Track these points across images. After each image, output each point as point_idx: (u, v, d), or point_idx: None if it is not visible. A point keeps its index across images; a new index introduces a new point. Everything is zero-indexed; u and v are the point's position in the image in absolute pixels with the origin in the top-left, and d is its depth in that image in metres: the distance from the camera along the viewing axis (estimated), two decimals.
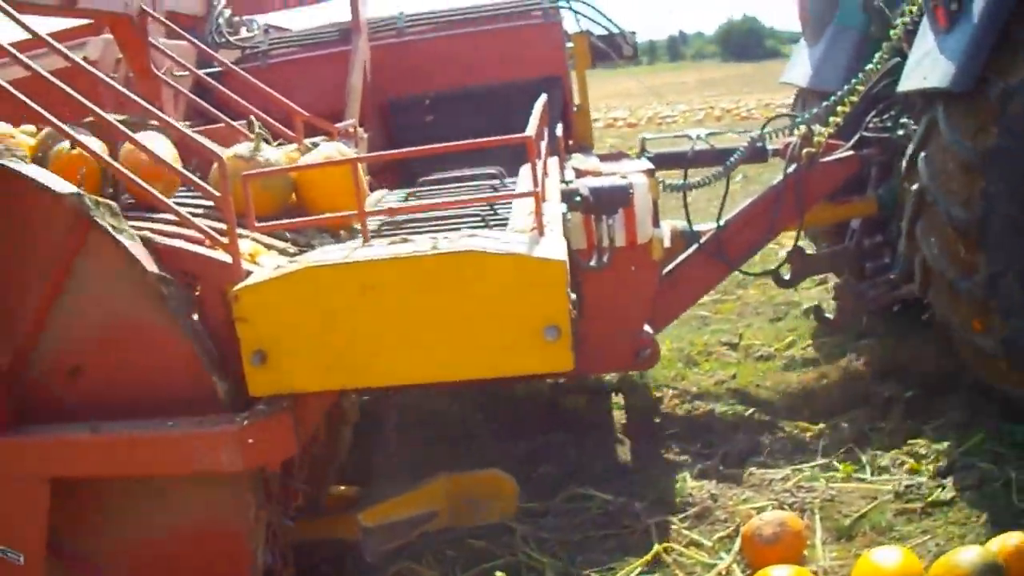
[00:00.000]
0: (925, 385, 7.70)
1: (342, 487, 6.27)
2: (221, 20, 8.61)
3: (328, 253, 4.42)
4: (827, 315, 8.83)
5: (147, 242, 4.57)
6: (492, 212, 5.44)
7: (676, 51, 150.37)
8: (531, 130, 4.93)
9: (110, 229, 4.38)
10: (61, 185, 4.42)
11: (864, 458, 6.76)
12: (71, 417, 4.60)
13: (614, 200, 6.62)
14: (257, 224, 4.61)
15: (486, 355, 4.22)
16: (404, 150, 4.93)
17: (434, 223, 5.29)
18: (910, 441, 6.87)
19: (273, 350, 4.24)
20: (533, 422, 7.87)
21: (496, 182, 6.28)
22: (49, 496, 4.55)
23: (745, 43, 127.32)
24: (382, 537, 5.91)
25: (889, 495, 6.22)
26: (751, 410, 7.98)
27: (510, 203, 5.53)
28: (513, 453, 7.29)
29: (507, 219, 5.24)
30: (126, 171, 4.77)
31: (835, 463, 6.78)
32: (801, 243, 8.78)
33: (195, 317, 4.51)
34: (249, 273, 4.46)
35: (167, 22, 6.81)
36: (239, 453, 4.33)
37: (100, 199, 4.50)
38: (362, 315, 4.20)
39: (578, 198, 6.45)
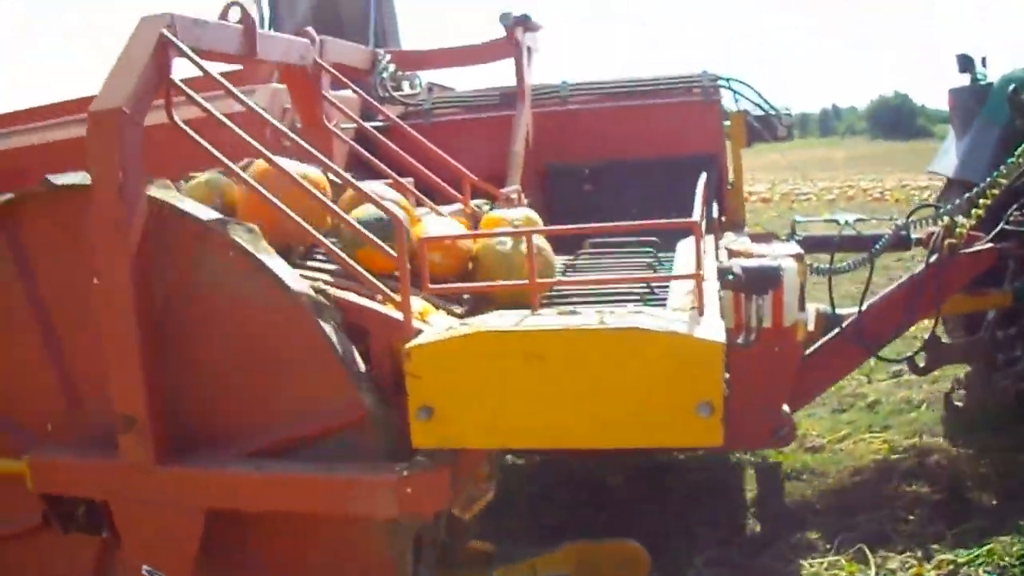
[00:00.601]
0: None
1: (479, 542, 6.31)
2: (385, 75, 8.67)
3: (499, 319, 4.58)
4: (957, 403, 8.86)
5: (320, 292, 4.79)
6: (650, 289, 5.59)
7: (828, 125, 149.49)
8: (696, 215, 5.08)
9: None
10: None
11: (874, 559, 6.87)
12: (224, 443, 4.85)
13: (765, 281, 6.68)
14: (431, 286, 4.78)
15: (640, 426, 4.36)
16: (579, 226, 5.06)
17: (595, 294, 5.50)
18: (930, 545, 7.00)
19: (439, 406, 4.42)
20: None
21: (653, 251, 6.43)
22: (203, 526, 4.77)
23: (896, 120, 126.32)
24: None
25: None
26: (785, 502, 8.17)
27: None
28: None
29: (664, 296, 5.40)
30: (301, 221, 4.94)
31: (843, 561, 6.93)
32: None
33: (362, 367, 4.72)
34: (419, 332, 4.63)
35: (335, 72, 6.91)
36: (396, 501, 4.52)
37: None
38: (526, 380, 4.36)
39: (731, 276, 6.54)
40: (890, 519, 7.56)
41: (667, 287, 5.57)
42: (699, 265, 4.68)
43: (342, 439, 4.72)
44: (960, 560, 6.76)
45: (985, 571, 6.54)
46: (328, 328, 4.63)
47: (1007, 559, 6.67)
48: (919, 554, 6.87)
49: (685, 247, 6.57)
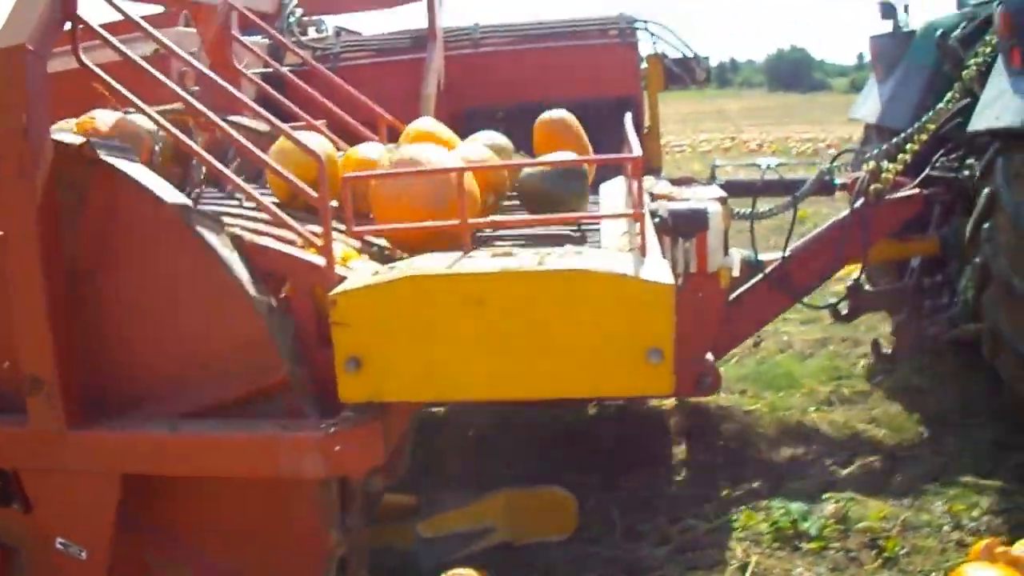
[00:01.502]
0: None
1: (401, 495, 6.04)
2: (292, 19, 8.47)
3: (430, 261, 4.22)
4: (885, 350, 8.61)
5: (237, 240, 4.43)
6: (579, 231, 5.25)
7: (724, 78, 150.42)
8: (637, 149, 4.77)
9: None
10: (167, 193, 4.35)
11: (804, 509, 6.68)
12: (140, 406, 4.48)
13: (693, 224, 6.44)
14: (356, 228, 4.43)
15: (586, 374, 4.04)
16: (509, 162, 4.72)
17: (524, 237, 5.12)
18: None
19: (368, 357, 4.06)
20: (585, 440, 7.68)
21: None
22: (119, 493, 4.40)
23: (793, 73, 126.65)
24: (439, 549, 5.86)
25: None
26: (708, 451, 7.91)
27: (596, 221, 5.34)
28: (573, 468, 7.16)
29: (596, 238, 5.07)
30: (210, 157, 4.68)
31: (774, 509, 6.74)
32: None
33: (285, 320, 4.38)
34: (343, 278, 4.30)
35: (248, 13, 6.70)
36: (324, 460, 4.19)
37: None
38: (462, 327, 4.02)
39: (657, 219, 6.26)
40: (820, 470, 7.39)
41: (598, 229, 5.22)
42: (640, 202, 4.35)
43: (266, 401, 4.37)
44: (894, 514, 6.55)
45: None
46: (240, 276, 4.29)
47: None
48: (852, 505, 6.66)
49: (610, 189, 6.27)
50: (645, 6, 8.49)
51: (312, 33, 9.15)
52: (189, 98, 4.73)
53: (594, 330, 3.97)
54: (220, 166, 4.65)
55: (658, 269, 4.07)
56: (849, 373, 9.39)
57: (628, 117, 6.18)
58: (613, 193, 6.09)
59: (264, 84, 6.69)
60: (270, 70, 7.25)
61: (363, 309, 4.05)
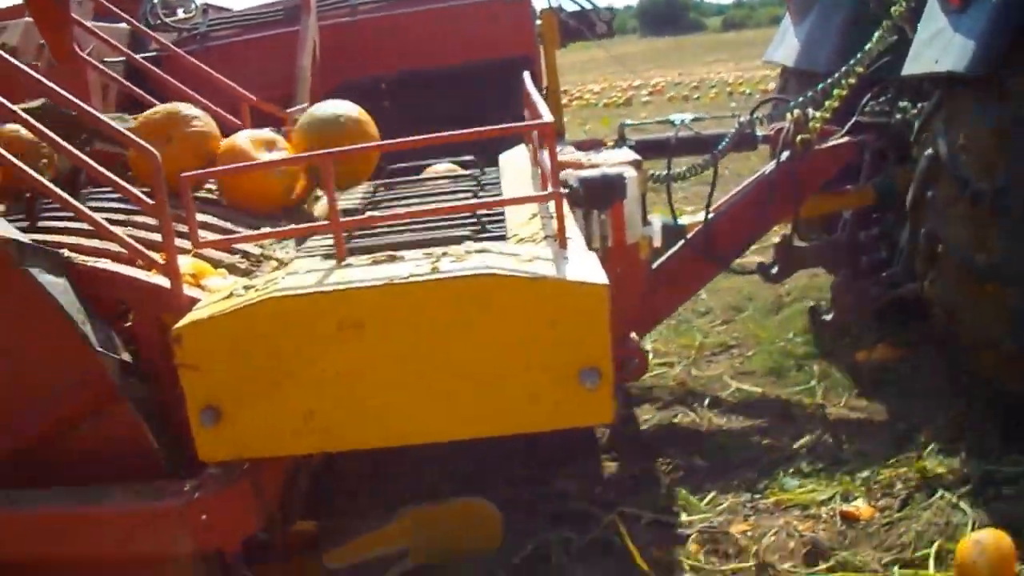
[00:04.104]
0: None
1: (303, 524, 5.09)
2: (155, 0, 7.72)
3: (296, 276, 3.26)
4: (824, 316, 7.76)
5: (66, 263, 3.53)
6: (477, 221, 4.29)
7: None
8: (547, 114, 3.83)
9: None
10: None
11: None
12: None
13: (608, 193, 5.54)
14: (201, 241, 3.46)
15: (503, 409, 3.14)
16: (391, 141, 3.79)
17: (412, 228, 4.15)
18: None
19: (228, 405, 3.12)
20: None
21: (476, 173, 5.18)
22: None
23: (665, 16, 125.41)
24: None
25: None
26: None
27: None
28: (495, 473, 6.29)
29: (500, 222, 4.12)
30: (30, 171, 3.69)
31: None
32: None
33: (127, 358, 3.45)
34: (194, 301, 3.38)
35: None
36: (189, 533, 3.31)
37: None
38: (342, 358, 3.10)
39: (567, 190, 5.33)
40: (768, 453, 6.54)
41: (501, 217, 4.26)
42: (556, 179, 3.40)
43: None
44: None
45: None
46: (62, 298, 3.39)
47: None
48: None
49: (510, 162, 5.38)
50: None
51: (180, 14, 8.28)
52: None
53: (509, 352, 3.08)
54: (34, 173, 3.68)
55: (587, 266, 3.18)
56: (784, 339, 8.54)
57: (528, 77, 5.27)
58: (516, 166, 5.20)
59: (117, 76, 5.99)
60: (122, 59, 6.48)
61: (215, 345, 3.11)
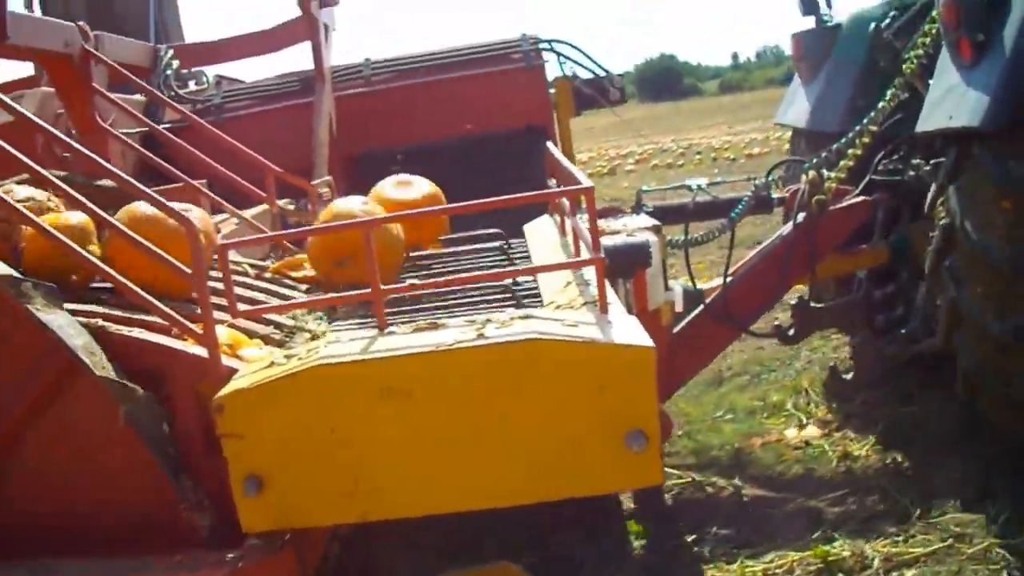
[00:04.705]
0: None
1: None
2: (169, 72, 7.68)
3: (338, 345, 3.20)
4: (844, 376, 7.71)
5: (99, 332, 3.45)
6: (511, 290, 4.23)
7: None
8: (585, 179, 3.79)
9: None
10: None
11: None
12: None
13: (633, 260, 5.48)
14: (241, 308, 3.40)
15: (549, 474, 3.06)
16: (423, 210, 3.75)
17: (445, 302, 4.11)
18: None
19: (272, 474, 3.05)
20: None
21: (503, 244, 5.12)
22: None
23: (663, 82, 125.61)
24: None
25: None
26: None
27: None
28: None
29: (535, 294, 4.08)
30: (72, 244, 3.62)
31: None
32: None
33: (163, 429, 3.38)
34: (232, 371, 3.30)
35: (115, 65, 5.83)
36: None
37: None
38: (387, 425, 3.03)
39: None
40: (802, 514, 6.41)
41: (535, 287, 4.22)
42: (596, 244, 3.35)
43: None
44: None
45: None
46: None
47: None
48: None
49: (536, 232, 5.33)
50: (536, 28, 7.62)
51: (192, 86, 8.34)
52: (41, 170, 3.77)
53: (557, 416, 3.01)
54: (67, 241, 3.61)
55: (631, 329, 3.13)
56: (712, 418, 8.43)
57: (551, 145, 5.24)
58: (542, 236, 5.14)
59: (136, 145, 5.81)
60: (147, 129, 6.30)
61: (258, 414, 3.04)
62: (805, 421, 7.90)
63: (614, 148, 44.89)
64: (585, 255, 3.63)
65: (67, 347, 3.30)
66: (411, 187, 5.04)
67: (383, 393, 2.99)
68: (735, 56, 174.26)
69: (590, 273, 3.81)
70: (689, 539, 6.24)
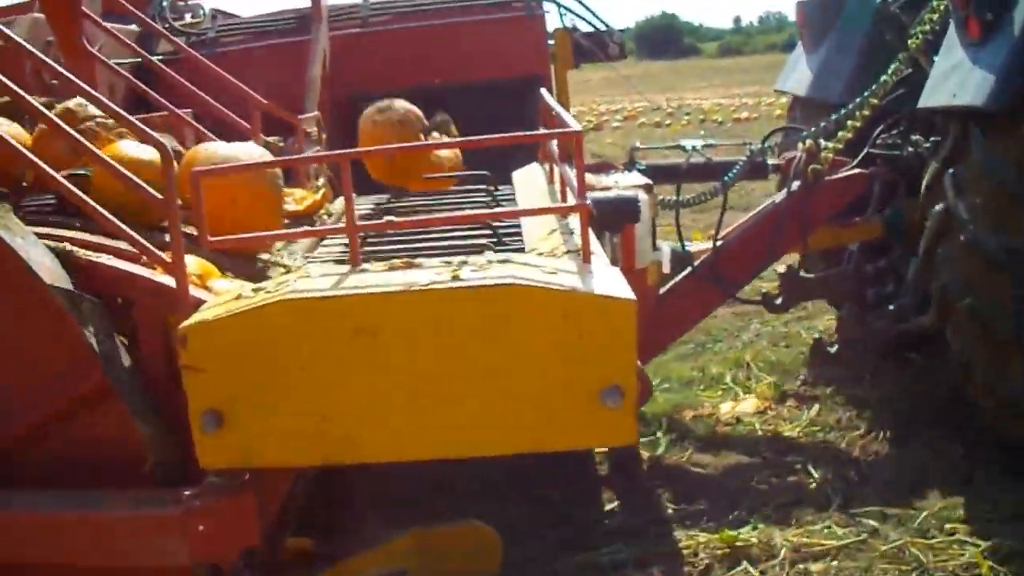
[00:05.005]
0: None
1: (298, 539, 4.81)
2: (164, 3, 7.62)
3: (308, 280, 3.08)
4: (830, 349, 7.61)
5: (65, 256, 3.37)
6: (494, 233, 4.12)
7: None
8: (574, 123, 3.67)
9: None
10: None
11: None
12: None
13: (621, 215, 5.38)
14: (211, 239, 3.27)
15: (520, 426, 2.95)
16: (412, 144, 3.63)
17: (426, 238, 3.98)
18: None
19: (232, 411, 2.93)
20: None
21: (490, 188, 5.01)
22: None
23: (663, 40, 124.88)
24: None
25: None
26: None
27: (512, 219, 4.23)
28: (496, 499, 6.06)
29: (518, 236, 3.96)
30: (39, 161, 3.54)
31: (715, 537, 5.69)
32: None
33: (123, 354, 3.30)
34: (200, 302, 3.19)
35: None
36: (186, 544, 3.12)
37: None
38: (354, 368, 2.91)
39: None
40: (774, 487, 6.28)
41: (518, 230, 4.10)
42: (582, 190, 3.23)
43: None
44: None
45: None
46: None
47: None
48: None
49: (524, 179, 5.22)
50: None
51: (188, 19, 8.14)
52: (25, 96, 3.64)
53: (531, 367, 2.90)
54: (40, 163, 3.51)
55: (614, 281, 3.02)
56: (790, 371, 8.24)
57: (546, 92, 5.13)
58: (530, 183, 5.03)
59: (126, 74, 5.87)
60: (139, 59, 6.23)
61: (222, 347, 2.93)
62: (742, 396, 7.79)
63: (606, 104, 44.63)
64: (572, 202, 3.52)
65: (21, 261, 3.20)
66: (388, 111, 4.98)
67: (352, 332, 2.87)
68: (737, 20, 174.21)
69: (575, 222, 3.71)
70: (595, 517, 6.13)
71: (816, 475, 6.28)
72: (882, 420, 6.92)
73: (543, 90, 5.32)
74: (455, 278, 2.92)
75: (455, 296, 2.87)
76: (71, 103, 4.35)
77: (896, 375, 7.41)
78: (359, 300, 2.89)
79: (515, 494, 6.14)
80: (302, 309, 2.89)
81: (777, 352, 8.55)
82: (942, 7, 6.46)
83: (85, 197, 3.44)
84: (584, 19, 7.57)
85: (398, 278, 2.97)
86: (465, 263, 3.07)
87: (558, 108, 4.35)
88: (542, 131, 4.01)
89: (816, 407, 7.28)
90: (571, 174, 3.50)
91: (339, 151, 3.56)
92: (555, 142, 4.38)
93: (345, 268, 3.17)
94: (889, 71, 6.88)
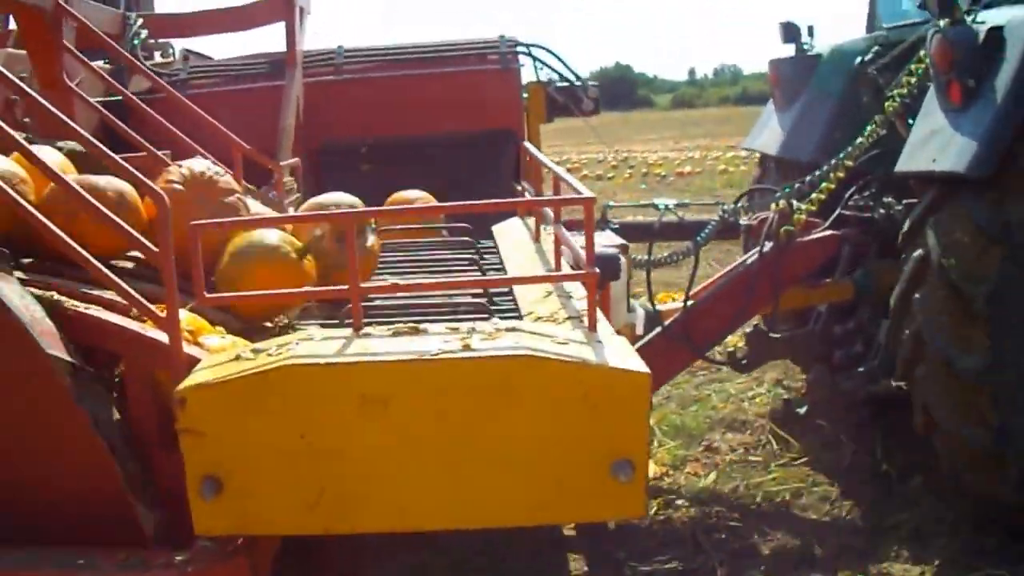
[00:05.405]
0: None
1: None
2: (136, 41, 7.40)
3: (311, 344, 2.98)
4: (799, 410, 7.54)
5: (53, 308, 3.25)
6: (486, 295, 4.04)
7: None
8: (584, 189, 3.59)
9: None
10: None
11: None
12: None
13: (604, 273, 5.27)
14: (208, 296, 3.16)
15: (529, 498, 2.88)
16: (435, 205, 3.55)
17: (412, 305, 3.89)
18: None
19: (230, 476, 2.84)
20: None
21: (471, 241, 4.94)
22: None
23: (616, 92, 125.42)
24: None
25: None
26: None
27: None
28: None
29: (509, 295, 3.88)
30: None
31: None
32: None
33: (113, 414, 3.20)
34: (193, 360, 3.09)
35: (87, 23, 5.72)
36: None
37: None
38: (361, 435, 2.82)
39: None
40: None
41: (509, 290, 4.02)
42: (591, 258, 3.15)
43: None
44: None
45: None
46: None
47: None
48: None
49: (506, 234, 5.14)
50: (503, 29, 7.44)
51: (158, 58, 8.07)
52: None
53: (541, 438, 2.82)
54: (27, 205, 3.40)
55: (625, 352, 2.94)
56: (695, 436, 8.10)
57: (532, 148, 5.05)
58: (512, 239, 4.95)
59: (101, 108, 5.60)
60: (117, 98, 6.05)
61: (222, 411, 2.83)
62: None
63: (555, 154, 44.66)
64: (567, 267, 3.45)
65: (15, 319, 3.08)
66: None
67: (358, 399, 2.78)
68: (692, 72, 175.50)
69: (572, 286, 3.64)
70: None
71: (704, 550, 6.12)
72: (777, 499, 6.81)
73: (530, 145, 5.24)
74: (466, 347, 2.83)
75: (467, 366, 2.79)
76: None
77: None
78: (367, 368, 2.80)
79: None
80: (307, 375, 2.80)
81: (683, 416, 8.41)
82: (920, 71, 6.42)
83: (76, 246, 3.33)
84: (560, 73, 7.48)
85: (406, 345, 2.88)
86: (474, 331, 2.98)
87: (560, 171, 4.28)
88: (550, 196, 3.91)
89: (713, 476, 7.15)
90: (569, 237, 3.44)
91: (347, 211, 3.46)
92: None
93: (347, 331, 3.08)
94: (865, 133, 6.81)
